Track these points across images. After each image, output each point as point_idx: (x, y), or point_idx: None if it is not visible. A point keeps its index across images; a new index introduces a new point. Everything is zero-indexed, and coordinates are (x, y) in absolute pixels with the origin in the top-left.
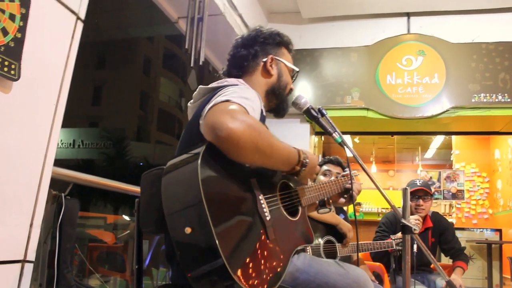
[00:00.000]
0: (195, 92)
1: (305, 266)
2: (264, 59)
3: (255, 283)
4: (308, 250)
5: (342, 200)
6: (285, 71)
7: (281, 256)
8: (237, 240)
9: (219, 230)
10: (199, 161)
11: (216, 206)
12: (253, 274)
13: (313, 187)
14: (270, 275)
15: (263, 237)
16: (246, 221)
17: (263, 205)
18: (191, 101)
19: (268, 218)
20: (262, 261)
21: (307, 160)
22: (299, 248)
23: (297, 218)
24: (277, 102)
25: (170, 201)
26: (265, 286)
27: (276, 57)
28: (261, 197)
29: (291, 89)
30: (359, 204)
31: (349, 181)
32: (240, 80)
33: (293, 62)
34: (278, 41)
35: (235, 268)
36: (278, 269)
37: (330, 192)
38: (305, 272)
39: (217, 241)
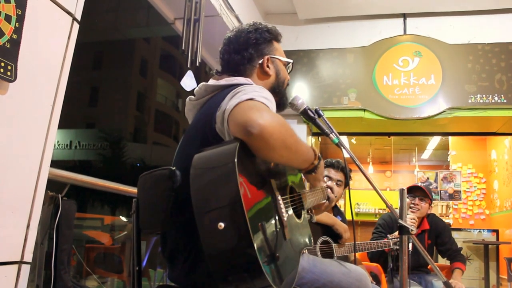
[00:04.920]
0: (197, 89)
1: (310, 266)
2: (260, 61)
3: (280, 282)
4: (305, 250)
5: (325, 205)
6: (281, 67)
7: (295, 256)
8: (266, 239)
9: (254, 230)
10: (235, 159)
11: (250, 205)
12: (278, 273)
13: (311, 192)
14: (288, 273)
15: (282, 237)
16: (272, 221)
17: (281, 206)
18: (192, 97)
19: (285, 219)
20: (283, 261)
21: (320, 155)
22: (304, 249)
23: (301, 220)
24: (278, 98)
25: (203, 198)
26: (287, 284)
27: (272, 56)
28: (279, 197)
29: (288, 80)
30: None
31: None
32: (249, 79)
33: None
34: (269, 38)
35: (267, 268)
36: (293, 268)
37: (322, 199)
38: (311, 272)
39: (254, 242)
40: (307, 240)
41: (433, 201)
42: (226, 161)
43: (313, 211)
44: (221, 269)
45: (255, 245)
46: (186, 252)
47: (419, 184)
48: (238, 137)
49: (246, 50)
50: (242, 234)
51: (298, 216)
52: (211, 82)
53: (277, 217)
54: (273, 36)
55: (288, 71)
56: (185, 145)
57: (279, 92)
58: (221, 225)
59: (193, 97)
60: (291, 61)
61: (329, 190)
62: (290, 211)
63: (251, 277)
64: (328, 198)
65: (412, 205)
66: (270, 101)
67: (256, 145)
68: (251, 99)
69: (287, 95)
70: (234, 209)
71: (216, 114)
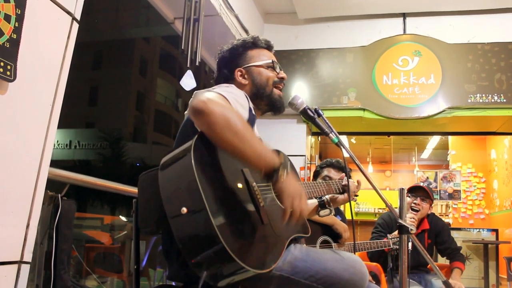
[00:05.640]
0: (191, 98)
1: (303, 255)
2: (233, 76)
3: (252, 262)
4: (303, 243)
5: (340, 197)
6: (259, 72)
7: (277, 240)
8: (232, 222)
9: (215, 212)
10: (192, 148)
11: (210, 189)
12: (250, 254)
13: (307, 183)
14: (266, 256)
15: (257, 221)
16: (241, 205)
17: (256, 192)
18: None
19: (261, 204)
20: (258, 243)
21: (287, 167)
22: (294, 236)
23: None
24: (266, 102)
25: (167, 189)
26: (263, 265)
27: (243, 67)
28: (254, 184)
29: (282, 79)
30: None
31: (343, 182)
32: (232, 84)
33: (273, 51)
34: (242, 51)
35: (233, 248)
36: (274, 252)
37: (324, 192)
38: (303, 261)
39: (213, 221)
40: (298, 227)
41: (433, 201)
42: (185, 152)
43: (331, 204)
44: (190, 252)
45: (216, 227)
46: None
47: (421, 184)
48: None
49: (221, 70)
50: (203, 217)
51: None
52: None
53: (249, 202)
54: (248, 47)
55: (276, 70)
56: (174, 147)
57: (262, 95)
58: (184, 209)
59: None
60: (269, 60)
61: (350, 181)
62: (272, 198)
63: (219, 259)
64: (343, 192)
65: (413, 205)
66: (235, 95)
67: (199, 120)
68: (208, 90)
69: (276, 96)
70: (192, 194)
71: None
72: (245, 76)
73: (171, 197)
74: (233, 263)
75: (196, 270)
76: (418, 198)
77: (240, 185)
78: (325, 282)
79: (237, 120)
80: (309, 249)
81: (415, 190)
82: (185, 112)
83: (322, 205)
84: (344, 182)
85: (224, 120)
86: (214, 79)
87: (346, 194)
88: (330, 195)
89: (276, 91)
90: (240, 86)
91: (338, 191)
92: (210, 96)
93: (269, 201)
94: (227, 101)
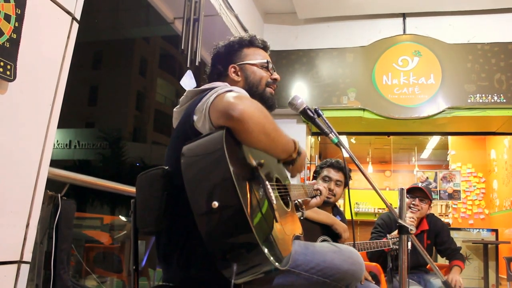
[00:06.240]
0: (183, 96)
1: (302, 248)
2: (227, 72)
3: (277, 256)
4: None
5: (312, 201)
6: (253, 70)
7: (287, 237)
8: (258, 217)
9: (247, 207)
10: (224, 143)
11: (241, 184)
12: (272, 249)
13: (296, 185)
14: (281, 252)
15: (273, 218)
16: (262, 201)
17: (270, 190)
18: (177, 106)
19: (274, 202)
20: (278, 238)
21: (301, 149)
22: (295, 235)
23: (289, 209)
24: (258, 101)
25: (194, 180)
26: (280, 261)
27: (237, 64)
28: (266, 182)
29: (275, 79)
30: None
31: (315, 187)
32: (227, 84)
33: (268, 52)
34: (237, 48)
35: (262, 242)
36: (289, 248)
37: (308, 194)
38: (303, 254)
39: (248, 216)
40: (296, 227)
41: (432, 201)
42: (215, 146)
43: (304, 207)
44: (219, 248)
45: (250, 220)
46: (179, 249)
47: (419, 184)
48: (221, 125)
49: (215, 66)
50: (237, 210)
51: (286, 204)
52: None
53: (266, 200)
54: (244, 44)
55: (269, 70)
56: (168, 149)
57: (254, 93)
58: (215, 204)
59: (178, 106)
60: (264, 60)
61: (320, 187)
62: (277, 198)
63: (249, 254)
64: (315, 196)
65: (412, 206)
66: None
67: (236, 127)
68: (231, 90)
69: (268, 94)
70: (226, 188)
71: (194, 111)
72: (239, 73)
73: (200, 192)
74: (260, 256)
75: (223, 264)
76: (417, 199)
77: (259, 181)
78: (325, 273)
79: (269, 120)
80: (306, 243)
81: (413, 191)
82: (175, 109)
83: (296, 208)
84: (316, 187)
85: (260, 125)
86: (207, 74)
87: (318, 198)
88: (303, 199)
89: (268, 89)
90: (232, 82)
91: (311, 195)
92: (242, 98)
93: (277, 200)
94: None
